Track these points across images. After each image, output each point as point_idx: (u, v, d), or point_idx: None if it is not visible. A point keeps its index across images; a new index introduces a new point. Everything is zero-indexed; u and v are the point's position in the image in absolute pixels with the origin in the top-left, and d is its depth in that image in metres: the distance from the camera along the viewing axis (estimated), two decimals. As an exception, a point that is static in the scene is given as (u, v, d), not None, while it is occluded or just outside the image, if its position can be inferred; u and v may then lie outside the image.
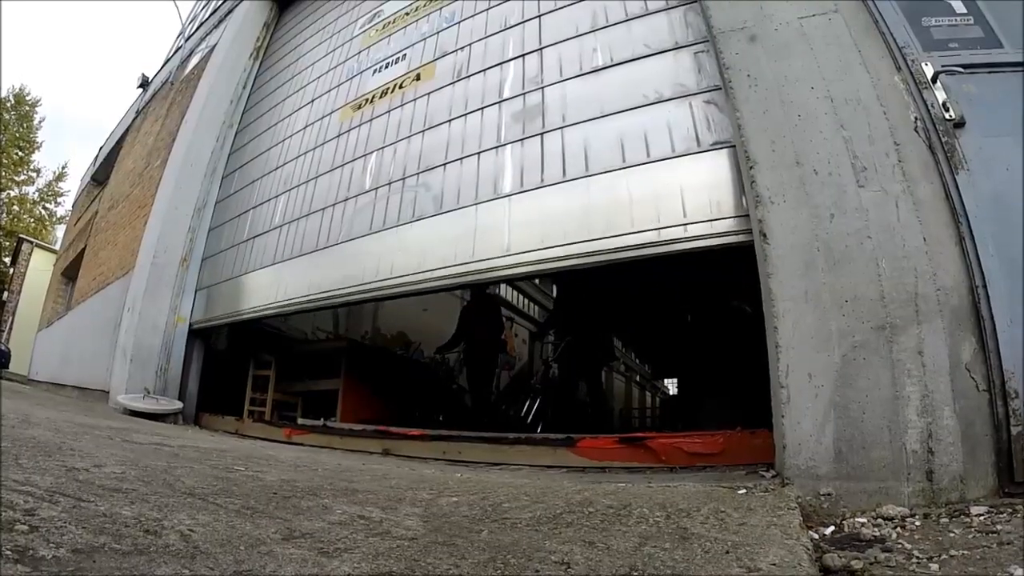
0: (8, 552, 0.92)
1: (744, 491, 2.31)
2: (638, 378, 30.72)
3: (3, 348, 19.39)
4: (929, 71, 3.06)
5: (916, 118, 2.94)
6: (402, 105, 5.99)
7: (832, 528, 2.17)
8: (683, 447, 3.39)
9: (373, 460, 3.60)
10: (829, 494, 2.39)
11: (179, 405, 6.68)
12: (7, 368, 18.58)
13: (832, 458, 2.45)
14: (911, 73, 3.08)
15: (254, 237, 7.01)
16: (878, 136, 2.92)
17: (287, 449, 4.14)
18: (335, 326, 10.24)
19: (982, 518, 2.05)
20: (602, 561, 1.31)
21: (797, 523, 1.78)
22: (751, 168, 3.06)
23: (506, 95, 5.08)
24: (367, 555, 1.23)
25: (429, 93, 5.76)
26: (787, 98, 3.17)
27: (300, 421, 6.09)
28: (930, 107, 2.96)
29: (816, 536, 2.06)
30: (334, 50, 7.70)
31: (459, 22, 6.01)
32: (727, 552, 1.40)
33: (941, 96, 2.98)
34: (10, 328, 24.93)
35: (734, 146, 3.47)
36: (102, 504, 1.34)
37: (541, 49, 5.06)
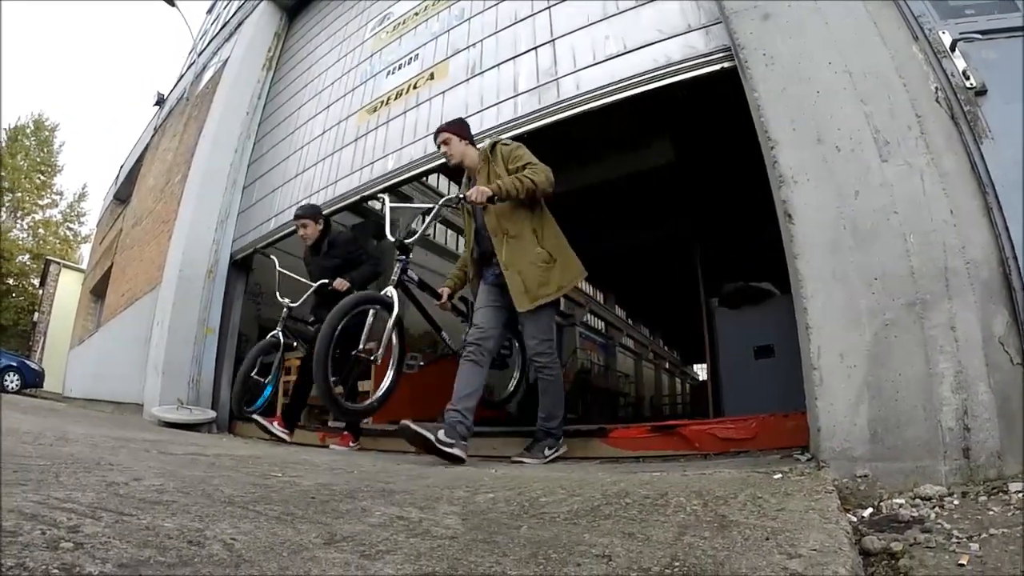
0: (55, 571, 0.92)
1: (780, 476, 2.29)
2: (667, 365, 30.57)
3: (36, 367, 19.75)
4: (947, 39, 3.00)
5: (937, 88, 2.89)
6: (418, 105, 6.02)
7: (870, 510, 2.15)
8: (716, 433, 3.38)
9: (408, 459, 3.61)
10: (866, 476, 2.36)
11: (212, 414, 6.78)
12: (41, 387, 18.98)
13: (867, 439, 2.42)
14: (929, 42, 3.03)
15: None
16: (899, 109, 2.87)
17: (321, 453, 4.17)
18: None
19: (1021, 495, 2.02)
20: (643, 553, 1.31)
21: (835, 506, 1.76)
22: (772, 148, 3.01)
23: (521, 89, 5.08)
24: (409, 556, 1.24)
25: (444, 92, 5.78)
26: (805, 75, 3.12)
27: (332, 424, 6.12)
28: (950, 76, 2.91)
29: (854, 519, 2.04)
30: (346, 55, 7.74)
31: (469, 19, 6.02)
32: (767, 539, 1.39)
33: (961, 64, 2.92)
34: (42, 348, 25.47)
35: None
36: (144, 517, 1.35)
37: (553, 41, 5.05)
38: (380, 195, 5.72)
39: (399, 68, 6.65)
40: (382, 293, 3.96)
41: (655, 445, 3.55)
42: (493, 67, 5.43)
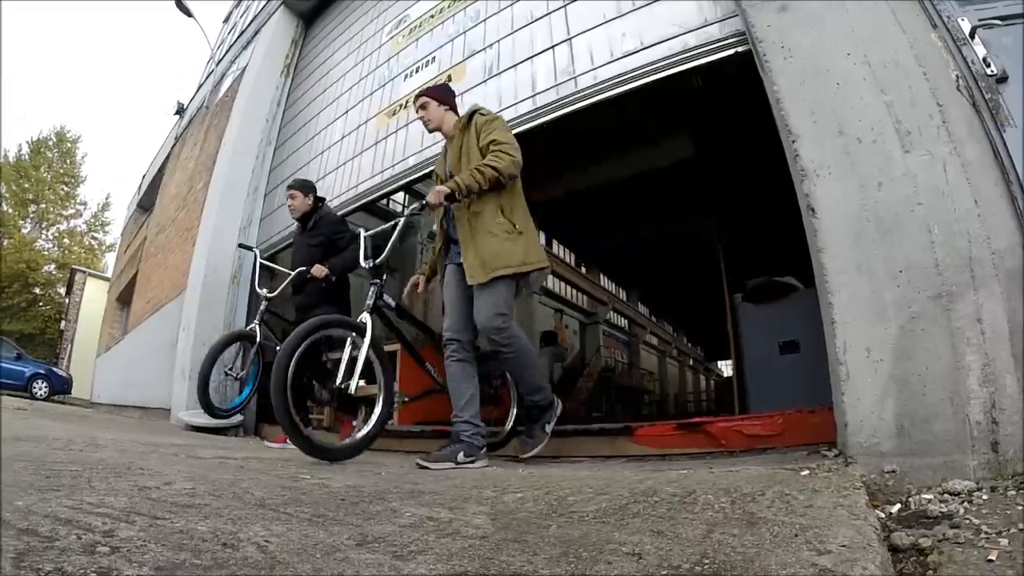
0: (93, 575, 0.94)
1: (807, 472, 2.28)
2: (692, 361, 30.37)
3: (64, 375, 20.10)
4: (966, 26, 2.96)
5: (957, 76, 2.84)
6: (437, 108, 6.04)
7: (898, 506, 2.13)
8: (742, 430, 3.35)
9: (433, 460, 3.63)
10: (893, 471, 2.34)
11: (239, 418, 6.82)
12: (69, 394, 19.33)
13: (895, 434, 2.40)
14: (948, 30, 2.98)
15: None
16: (920, 98, 2.83)
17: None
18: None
19: (1050, 489, 2.00)
20: (672, 550, 1.31)
21: (863, 502, 1.76)
22: (793, 142, 2.99)
23: (539, 88, 5.08)
24: (441, 556, 1.25)
25: (462, 93, 5.76)
26: (824, 67, 3.09)
27: (356, 424, 6.11)
28: (970, 64, 2.86)
29: (883, 515, 2.02)
30: (363, 59, 7.77)
31: (485, 20, 6.03)
32: (796, 535, 1.38)
33: (981, 51, 2.88)
34: (69, 355, 25.93)
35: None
36: (177, 521, 1.37)
37: (570, 39, 5.05)
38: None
39: (417, 71, 6.67)
40: (357, 320, 3.57)
41: (681, 443, 3.54)
42: (510, 67, 5.44)
